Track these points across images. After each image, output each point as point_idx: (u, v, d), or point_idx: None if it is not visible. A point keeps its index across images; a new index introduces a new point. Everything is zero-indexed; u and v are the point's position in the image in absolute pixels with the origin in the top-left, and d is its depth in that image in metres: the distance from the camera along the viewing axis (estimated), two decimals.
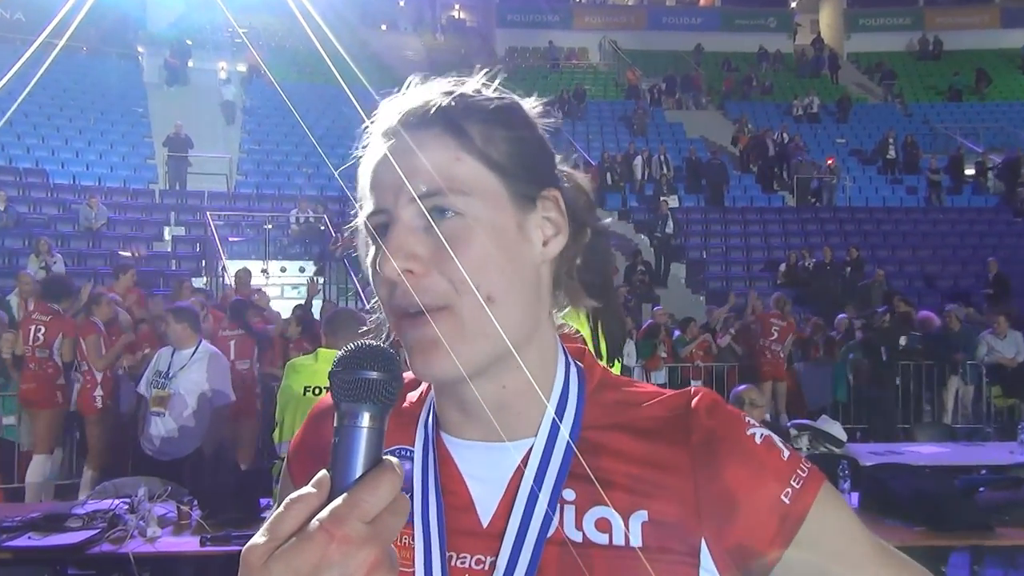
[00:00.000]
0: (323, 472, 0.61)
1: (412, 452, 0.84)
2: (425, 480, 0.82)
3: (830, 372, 10.10)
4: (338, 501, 0.58)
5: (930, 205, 18.26)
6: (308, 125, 18.30)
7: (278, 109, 19.60)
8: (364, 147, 0.83)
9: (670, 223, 15.43)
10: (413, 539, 0.80)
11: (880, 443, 6.68)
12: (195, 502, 3.97)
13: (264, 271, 13.49)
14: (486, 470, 0.82)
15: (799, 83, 25.40)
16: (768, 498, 0.78)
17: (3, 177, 14.97)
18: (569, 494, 0.79)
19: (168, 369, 5.37)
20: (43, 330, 6.76)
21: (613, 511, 0.78)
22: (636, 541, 0.77)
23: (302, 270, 13.94)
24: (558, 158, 0.88)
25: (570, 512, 0.79)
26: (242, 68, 21.11)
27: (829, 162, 18.97)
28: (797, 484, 0.79)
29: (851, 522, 0.82)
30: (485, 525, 0.80)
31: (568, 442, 0.81)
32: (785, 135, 19.89)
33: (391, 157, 0.78)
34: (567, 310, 0.90)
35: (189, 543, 3.67)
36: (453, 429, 0.84)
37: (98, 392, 6.75)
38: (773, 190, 19.16)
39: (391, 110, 0.81)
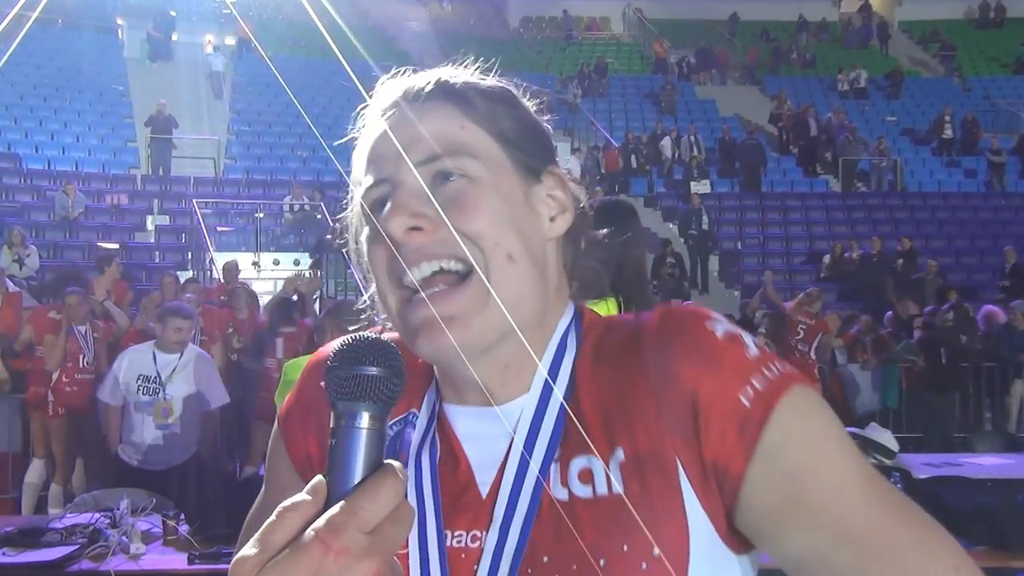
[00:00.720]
0: (319, 478, 0.61)
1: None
2: (419, 457, 0.85)
3: (880, 375, 10.03)
4: (335, 509, 0.58)
5: (991, 190, 18.10)
6: (303, 103, 18.36)
7: (270, 86, 19.68)
8: (360, 129, 0.87)
9: (704, 218, 15.16)
10: None
11: (936, 454, 6.63)
12: (182, 516, 4.00)
13: (255, 264, 13.57)
14: (485, 437, 0.84)
15: (845, 55, 25.22)
16: (726, 399, 0.75)
17: None
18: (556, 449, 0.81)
19: (157, 374, 5.40)
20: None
21: (594, 457, 0.79)
22: (618, 487, 0.77)
23: (297, 263, 13.99)
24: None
25: (555, 469, 0.80)
26: (231, 41, 21.21)
27: (878, 143, 18.83)
28: (760, 384, 0.75)
29: (832, 437, 0.76)
30: (485, 495, 0.82)
31: (561, 403, 0.82)
32: (830, 113, 19.77)
33: (391, 130, 0.83)
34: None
35: (176, 560, 3.69)
36: (451, 396, 0.88)
37: (50, 396, 6.82)
38: (816, 174, 19.05)
39: (389, 90, 0.87)
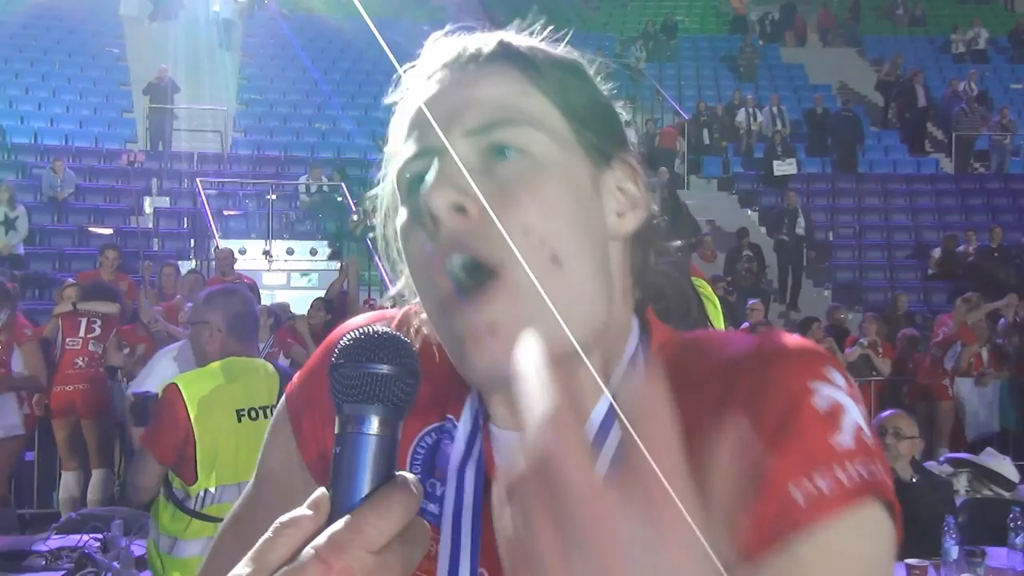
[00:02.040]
0: (321, 490, 0.62)
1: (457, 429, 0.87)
2: (461, 476, 0.83)
3: (998, 391, 9.84)
4: (338, 525, 0.59)
5: None
6: (322, 69, 18.52)
7: (285, 48, 19.89)
8: (402, 93, 0.85)
9: (801, 220, 14.36)
10: (439, 546, 0.82)
11: None
12: None
13: (266, 253, 13.74)
14: None
15: (960, 10, 24.72)
16: (778, 479, 0.70)
17: None
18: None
19: None
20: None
21: None
22: None
23: (313, 252, 14.14)
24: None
25: None
26: None
27: (1001, 115, 18.43)
28: (826, 484, 0.69)
29: None
30: None
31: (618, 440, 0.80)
32: (942, 80, 19.41)
33: (440, 93, 0.81)
34: None
35: None
36: (499, 420, 0.85)
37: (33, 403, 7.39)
38: (924, 152, 18.72)
39: (439, 50, 0.85)
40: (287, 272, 13.55)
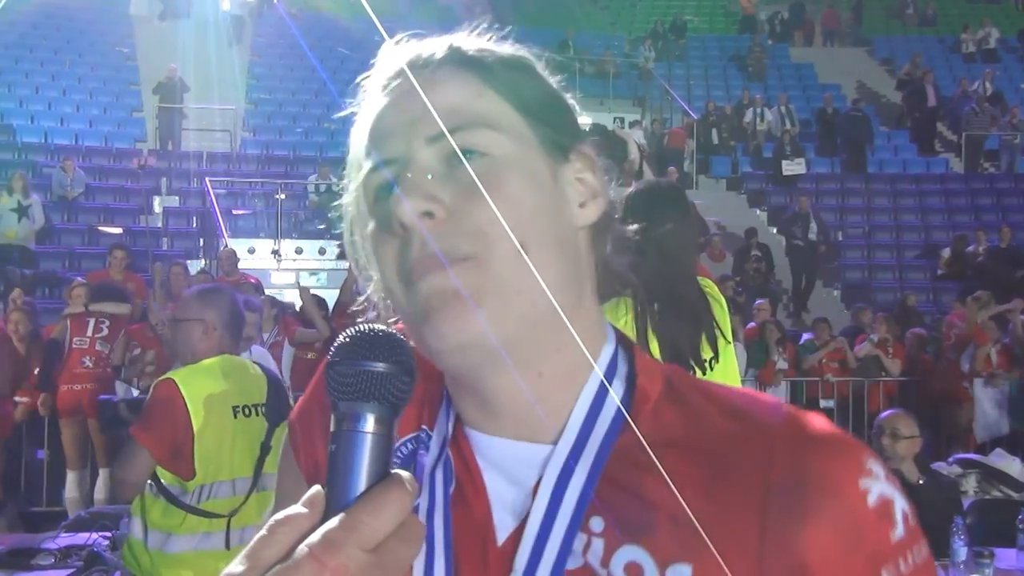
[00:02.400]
0: (316, 488, 0.62)
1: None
2: (433, 480, 0.84)
3: (1007, 392, 9.81)
4: (333, 523, 0.59)
5: None
6: (331, 69, 18.55)
7: (294, 48, 19.93)
8: (360, 103, 0.88)
9: (814, 224, 14.20)
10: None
11: None
12: None
13: (275, 252, 13.76)
14: (514, 472, 0.83)
15: (971, 9, 24.63)
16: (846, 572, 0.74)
17: None
18: (597, 524, 0.78)
19: None
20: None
21: (648, 556, 0.76)
22: None
23: (322, 252, 14.16)
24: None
25: (598, 545, 0.78)
26: None
27: (1011, 115, 18.36)
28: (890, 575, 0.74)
29: None
30: (500, 543, 0.81)
31: (595, 454, 0.80)
32: (951, 79, 19.34)
33: (398, 102, 0.83)
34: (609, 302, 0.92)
35: None
36: (476, 419, 0.85)
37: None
38: (934, 152, 18.65)
39: (392, 58, 0.87)
40: (296, 271, 13.56)
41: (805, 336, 10.46)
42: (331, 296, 10.41)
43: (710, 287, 2.99)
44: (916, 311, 11.90)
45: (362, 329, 0.66)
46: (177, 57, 17.55)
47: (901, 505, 0.77)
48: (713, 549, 0.75)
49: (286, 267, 13.57)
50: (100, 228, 13.84)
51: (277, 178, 15.71)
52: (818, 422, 0.80)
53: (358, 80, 0.89)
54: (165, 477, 3.28)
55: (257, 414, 3.44)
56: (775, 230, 15.81)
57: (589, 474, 0.79)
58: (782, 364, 9.82)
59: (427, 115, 0.81)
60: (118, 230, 13.74)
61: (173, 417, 3.27)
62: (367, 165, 0.85)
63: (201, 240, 14.54)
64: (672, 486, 0.77)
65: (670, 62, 21.10)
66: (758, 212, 16.53)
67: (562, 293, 0.81)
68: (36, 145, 16.09)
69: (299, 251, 14.13)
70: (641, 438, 0.80)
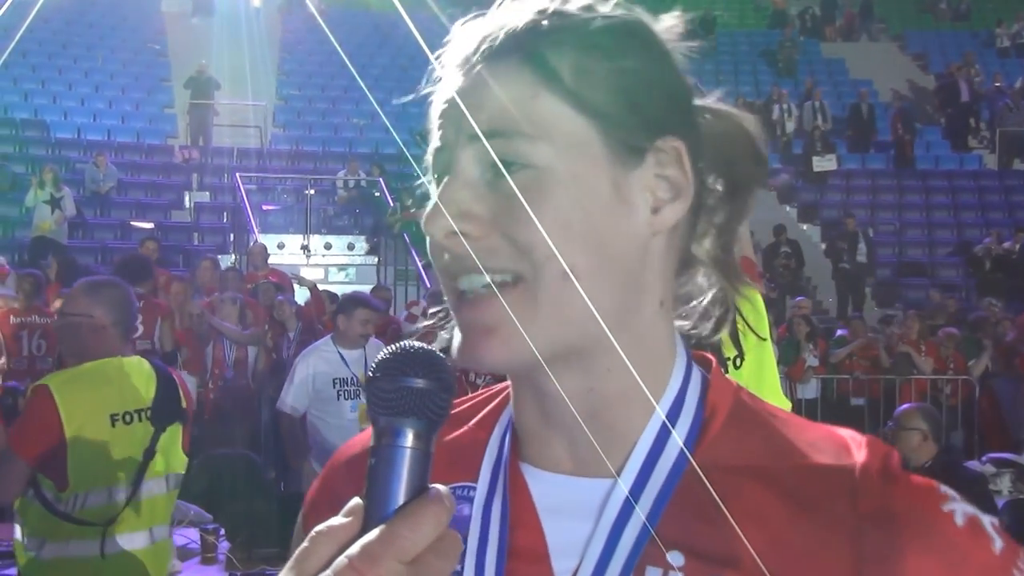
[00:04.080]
0: (356, 500, 0.63)
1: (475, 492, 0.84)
2: (487, 518, 0.82)
3: None
4: (372, 535, 0.60)
5: None
6: (360, 64, 18.60)
7: (323, 44, 20.01)
8: (435, 80, 0.83)
9: (862, 244, 13.67)
10: None
11: None
12: (222, 531, 4.12)
13: (304, 247, 13.85)
14: (573, 510, 0.80)
15: (1005, 4, 24.29)
16: None
17: None
18: (676, 558, 0.76)
19: (352, 374, 5.55)
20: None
21: None
22: None
23: (351, 247, 14.23)
24: (713, 96, 0.88)
25: None
26: None
27: None
28: None
29: None
30: None
31: (661, 485, 0.78)
32: (984, 74, 19.10)
33: (452, 93, 0.79)
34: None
35: None
36: (533, 453, 0.83)
37: None
38: (967, 148, 18.44)
39: (469, 34, 0.81)
40: (325, 267, 13.65)
41: (838, 332, 10.39)
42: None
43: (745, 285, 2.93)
44: (947, 311, 11.76)
45: (403, 345, 0.66)
46: (208, 53, 17.68)
47: (989, 519, 0.76)
48: None
49: (315, 262, 13.65)
50: (132, 223, 13.98)
51: (306, 174, 15.80)
52: (886, 450, 0.79)
53: (433, 58, 0.83)
54: (44, 482, 3.14)
55: (140, 419, 3.24)
56: (805, 227, 15.70)
57: (653, 507, 0.77)
58: (812, 361, 9.75)
59: (475, 113, 0.76)
60: (149, 225, 13.88)
61: (46, 426, 3.10)
62: (432, 143, 0.81)
63: (231, 235, 14.65)
64: (749, 517, 0.75)
65: (700, 57, 20.88)
66: (788, 209, 16.41)
67: (621, 313, 0.78)
68: (69, 141, 16.29)
69: (328, 246, 14.20)
70: (699, 471, 0.78)
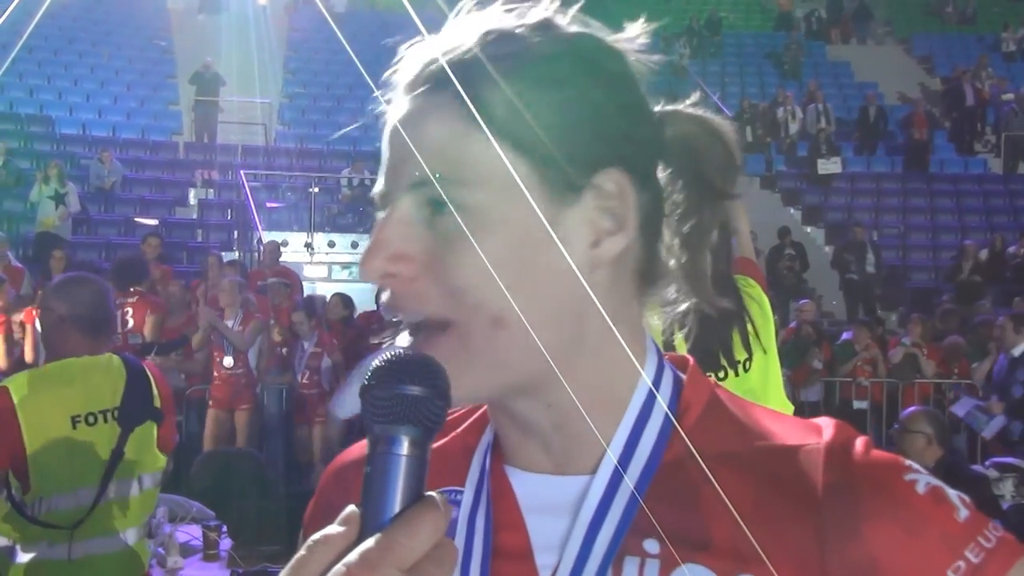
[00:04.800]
0: (352, 508, 0.63)
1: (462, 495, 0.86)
2: (472, 520, 0.83)
3: None
4: (369, 543, 0.60)
5: None
6: (366, 62, 18.57)
7: (329, 42, 20.03)
8: (387, 102, 0.84)
9: (871, 256, 13.30)
10: None
11: None
12: (225, 528, 4.13)
13: (308, 245, 13.84)
14: (554, 507, 0.81)
15: (1012, 8, 24.25)
16: (930, 573, 0.73)
17: (1, 125, 15.79)
18: (652, 545, 0.77)
19: None
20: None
21: (709, 572, 0.76)
22: None
23: (355, 245, 14.22)
24: (692, 98, 0.88)
25: (652, 568, 0.77)
26: None
27: None
28: (976, 556, 0.73)
29: None
30: None
31: (638, 477, 0.79)
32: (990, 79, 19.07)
33: (397, 126, 0.79)
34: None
35: None
36: (516, 456, 0.84)
37: None
38: (972, 152, 18.41)
39: (405, 65, 0.81)
40: (328, 265, 13.64)
41: (844, 335, 10.38)
42: (360, 289, 10.48)
43: (751, 287, 2.91)
44: (950, 314, 11.73)
45: (397, 353, 0.66)
46: (214, 51, 17.70)
47: (956, 493, 0.77)
48: (766, 560, 0.75)
49: (319, 260, 13.65)
50: (136, 219, 13.99)
51: (311, 171, 15.80)
52: (850, 431, 0.81)
53: (384, 77, 0.83)
54: (14, 484, 3.08)
55: (106, 420, 3.15)
56: (809, 229, 15.67)
57: (630, 498, 0.79)
58: (817, 365, 9.75)
59: (409, 158, 0.77)
60: (154, 221, 13.90)
61: (6, 428, 3.04)
62: (379, 181, 0.82)
63: (235, 232, 14.65)
64: (727, 500, 0.76)
65: (704, 59, 20.97)
66: (792, 211, 16.40)
67: (565, 347, 0.78)
68: (74, 136, 16.31)
69: (332, 244, 14.20)
70: (694, 451, 0.79)
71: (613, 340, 0.80)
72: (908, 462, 0.79)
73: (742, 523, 0.75)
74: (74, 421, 3.11)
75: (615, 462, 0.80)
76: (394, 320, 0.79)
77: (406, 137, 0.78)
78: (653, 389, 0.83)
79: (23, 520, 3.05)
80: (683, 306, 0.88)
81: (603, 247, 0.78)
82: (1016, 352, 7.78)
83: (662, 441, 0.81)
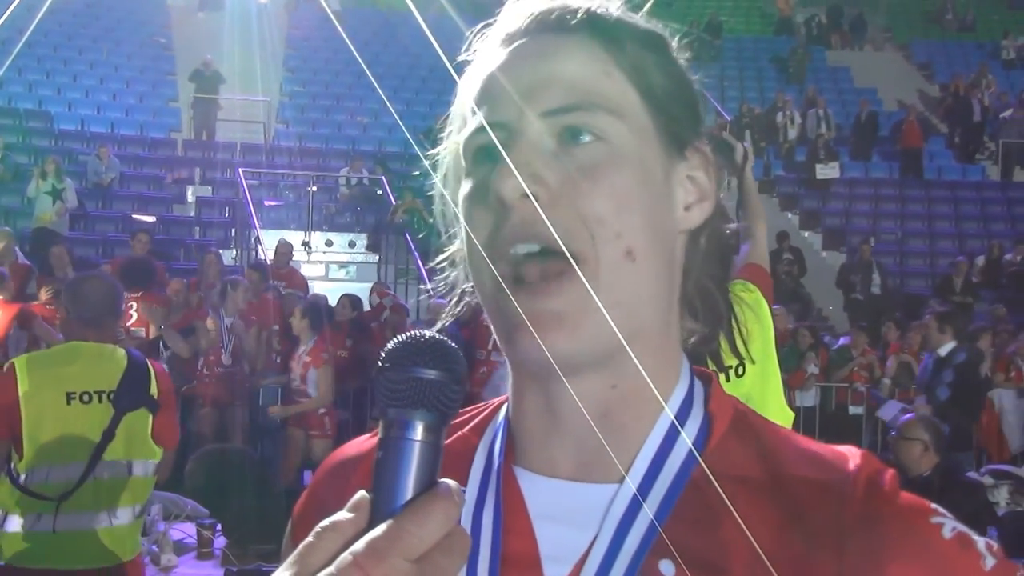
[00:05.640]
0: (362, 493, 0.61)
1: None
2: (477, 523, 0.80)
3: None
4: (378, 531, 0.58)
5: None
6: (365, 61, 18.59)
7: (329, 41, 20.01)
8: (474, 53, 0.82)
9: (876, 276, 12.87)
10: None
11: None
12: (219, 526, 4.12)
13: (305, 244, 13.82)
14: (568, 516, 0.78)
15: (1011, 16, 24.30)
16: None
17: (1, 120, 15.78)
18: (667, 568, 0.74)
19: None
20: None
21: None
22: None
23: (352, 244, 14.22)
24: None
25: None
26: None
27: None
28: None
29: None
30: None
31: (666, 491, 0.76)
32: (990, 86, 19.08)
33: (517, 62, 0.78)
34: None
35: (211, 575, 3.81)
36: (531, 458, 0.81)
37: None
38: (971, 159, 18.44)
39: (520, 11, 0.81)
40: (325, 264, 13.64)
41: (842, 340, 10.39)
42: (357, 289, 10.47)
43: (749, 291, 2.84)
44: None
45: (414, 335, 0.64)
46: (214, 48, 17.67)
47: (983, 539, 0.74)
48: None
49: (316, 259, 13.64)
50: (134, 216, 13.97)
51: (309, 170, 15.78)
52: (877, 464, 0.79)
53: (478, 27, 0.82)
54: (14, 457, 3.33)
55: (100, 401, 3.40)
56: (807, 234, 15.68)
57: (657, 514, 0.75)
58: (813, 370, 9.75)
59: (548, 84, 0.76)
60: (151, 218, 13.88)
61: (6, 396, 3.32)
62: (473, 123, 0.79)
63: (233, 231, 14.64)
64: (746, 527, 0.74)
65: (704, 63, 20.90)
66: (790, 216, 16.41)
67: (660, 304, 0.78)
68: (72, 132, 16.29)
69: (329, 243, 14.19)
70: (711, 477, 0.76)
71: (674, 322, 0.82)
72: (934, 506, 0.77)
73: (762, 553, 0.72)
74: (69, 397, 3.37)
75: (644, 467, 0.77)
76: (508, 252, 0.75)
77: (539, 70, 0.77)
78: (688, 392, 0.82)
79: (16, 490, 3.26)
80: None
81: (692, 212, 0.81)
82: (942, 352, 7.69)
83: (697, 448, 0.78)
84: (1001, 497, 5.53)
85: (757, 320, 2.83)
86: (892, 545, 0.72)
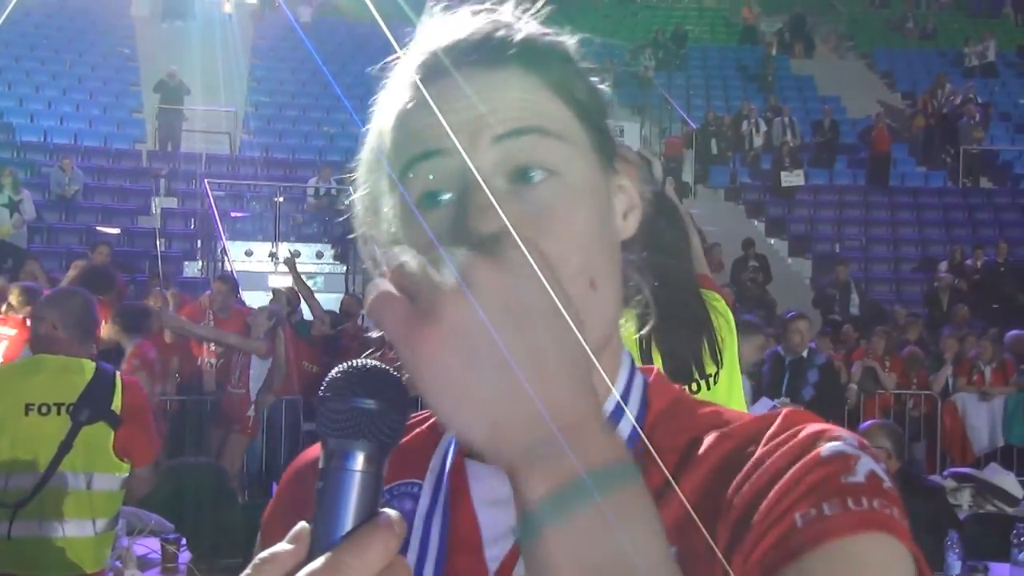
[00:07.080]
0: (302, 524, 0.61)
1: (421, 488, 0.85)
2: (430, 516, 0.82)
3: (1003, 406, 9.83)
4: (317, 563, 0.57)
5: None
6: (332, 72, 18.56)
7: (295, 51, 19.95)
8: (388, 87, 0.82)
9: (855, 296, 12.75)
10: None
11: None
12: (184, 541, 4.07)
13: (272, 255, 13.75)
14: (509, 500, 0.77)
15: (971, 24, 24.69)
16: (781, 509, 0.69)
17: None
18: None
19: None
20: None
21: None
22: None
23: (320, 255, 14.16)
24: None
25: None
26: (252, 0, 21.53)
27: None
28: (831, 510, 0.67)
29: None
30: (493, 574, 0.78)
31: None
32: (947, 92, 19.36)
33: (439, 98, 0.75)
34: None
35: None
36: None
37: None
38: (932, 165, 18.69)
39: (441, 32, 0.79)
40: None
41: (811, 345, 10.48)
42: (325, 300, 10.42)
43: (717, 300, 2.91)
44: (912, 327, 11.88)
45: (354, 364, 0.64)
46: (178, 58, 17.56)
47: (869, 465, 0.70)
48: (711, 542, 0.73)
49: (283, 270, 13.56)
50: (98, 228, 13.83)
51: (276, 181, 15.72)
52: (805, 414, 0.78)
53: (388, 59, 0.81)
54: None
55: (59, 413, 3.46)
56: (773, 241, 15.82)
57: None
58: None
59: (488, 113, 0.74)
60: (116, 230, 13.74)
61: None
62: (410, 152, 0.77)
63: (198, 242, 14.54)
64: (681, 493, 0.75)
65: (670, 71, 21.14)
66: (756, 223, 16.55)
67: (615, 318, 0.79)
68: (35, 144, 16.11)
69: (296, 254, 14.11)
70: (649, 446, 0.78)
71: (618, 322, 0.83)
72: (838, 431, 0.73)
73: (693, 512, 0.73)
74: (27, 408, 3.45)
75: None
76: None
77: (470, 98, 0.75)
78: (621, 385, 0.83)
79: None
80: (650, 315, 0.89)
81: (628, 220, 0.83)
82: (804, 353, 7.72)
83: (635, 431, 0.80)
84: (964, 500, 5.60)
85: (728, 329, 2.90)
86: (770, 460, 0.72)
